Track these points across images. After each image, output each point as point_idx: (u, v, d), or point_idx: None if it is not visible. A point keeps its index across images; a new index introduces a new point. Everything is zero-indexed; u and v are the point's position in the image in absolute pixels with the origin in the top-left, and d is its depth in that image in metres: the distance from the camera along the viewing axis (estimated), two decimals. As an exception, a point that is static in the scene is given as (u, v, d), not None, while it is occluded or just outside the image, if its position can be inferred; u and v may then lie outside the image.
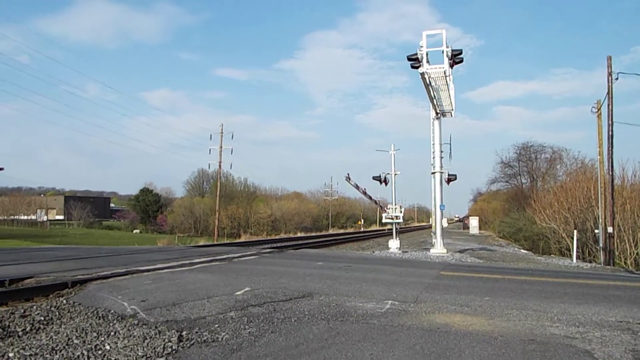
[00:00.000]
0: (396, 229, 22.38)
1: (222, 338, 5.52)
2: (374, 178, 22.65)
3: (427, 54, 16.69)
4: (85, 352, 4.88)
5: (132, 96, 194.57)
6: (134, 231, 79.43)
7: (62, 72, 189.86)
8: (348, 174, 22.25)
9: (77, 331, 5.60)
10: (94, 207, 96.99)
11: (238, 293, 8.22)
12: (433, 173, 20.22)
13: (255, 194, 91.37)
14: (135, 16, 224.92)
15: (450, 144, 20.70)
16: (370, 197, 24.58)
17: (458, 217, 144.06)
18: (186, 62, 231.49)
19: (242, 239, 45.54)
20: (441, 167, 20.01)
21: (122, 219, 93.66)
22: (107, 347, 5.09)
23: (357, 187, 22.77)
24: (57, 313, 6.42)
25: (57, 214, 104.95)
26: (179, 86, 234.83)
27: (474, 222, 63.70)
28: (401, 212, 22.49)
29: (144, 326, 5.90)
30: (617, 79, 21.21)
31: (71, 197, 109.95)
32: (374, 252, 23.11)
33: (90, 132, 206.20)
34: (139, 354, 4.91)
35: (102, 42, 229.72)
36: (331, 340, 5.53)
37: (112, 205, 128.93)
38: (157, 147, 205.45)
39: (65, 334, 5.47)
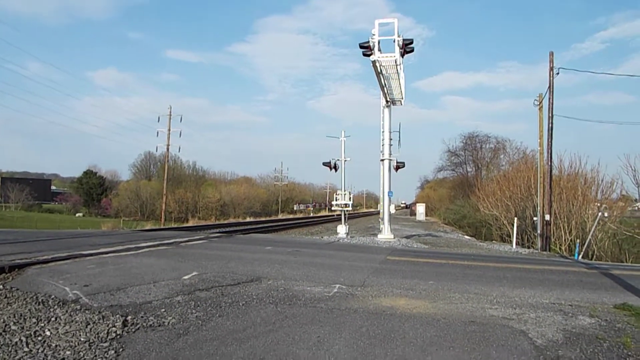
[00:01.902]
0: (345, 215, 22.65)
1: (169, 322, 5.47)
2: (324, 164, 22.79)
3: (379, 42, 16.80)
4: (23, 339, 4.72)
5: (76, 75, 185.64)
6: (77, 215, 76.75)
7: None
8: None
9: (14, 317, 5.41)
10: (34, 189, 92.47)
11: (185, 277, 8.13)
12: (382, 160, 20.52)
13: (204, 178, 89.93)
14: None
15: (399, 132, 21.06)
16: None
17: (405, 203, 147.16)
18: (135, 41, 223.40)
19: (190, 224, 44.91)
20: (390, 154, 20.33)
21: (64, 202, 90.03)
22: (47, 333, 4.95)
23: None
24: (-7, 298, 6.17)
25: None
26: (128, 67, 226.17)
27: (420, 208, 65.23)
28: (350, 198, 22.78)
29: (86, 311, 5.76)
30: (558, 73, 22.07)
31: (8, 178, 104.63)
32: (322, 237, 23.31)
33: (30, 111, 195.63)
34: (82, 339, 4.80)
35: (43, 17, 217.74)
36: (279, 323, 5.58)
37: (53, 187, 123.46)
38: (102, 129, 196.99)
39: (1, 320, 5.27)
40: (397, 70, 17.37)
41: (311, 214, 79.66)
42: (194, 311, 5.99)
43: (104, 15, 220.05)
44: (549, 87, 22.16)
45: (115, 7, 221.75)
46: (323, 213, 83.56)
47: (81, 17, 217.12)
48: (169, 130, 51.21)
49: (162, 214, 51.00)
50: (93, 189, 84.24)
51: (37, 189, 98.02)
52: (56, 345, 4.62)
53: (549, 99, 22.16)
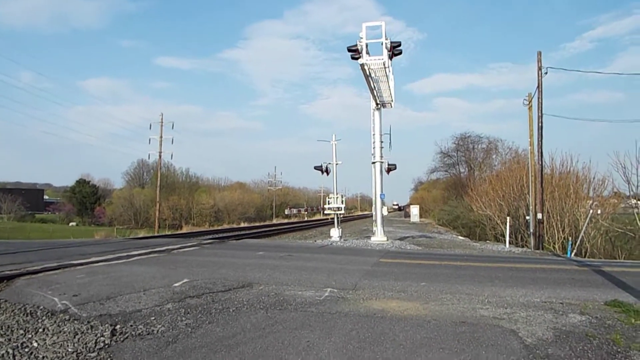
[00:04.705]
0: (338, 218, 22.64)
1: (158, 330, 5.44)
2: (315, 168, 22.77)
3: (366, 46, 16.79)
4: (10, 351, 4.68)
5: (68, 85, 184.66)
6: (70, 224, 76.25)
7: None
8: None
9: (2, 329, 5.36)
10: (26, 199, 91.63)
11: (176, 285, 8.09)
12: (373, 163, 20.53)
13: (197, 185, 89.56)
14: (73, 0, 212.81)
15: (390, 134, 21.08)
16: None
17: (397, 204, 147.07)
18: (127, 50, 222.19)
19: (184, 230, 44.69)
20: (381, 157, 20.36)
21: (57, 211, 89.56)
22: (35, 345, 4.91)
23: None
24: (-20, 311, 6.11)
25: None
26: (120, 75, 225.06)
27: (414, 210, 65.25)
28: (342, 202, 22.78)
29: (75, 321, 5.72)
30: (546, 73, 22.19)
31: (0, 189, 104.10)
32: (315, 241, 23.26)
33: (22, 122, 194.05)
34: (69, 350, 4.76)
35: (37, 28, 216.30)
36: (269, 329, 5.56)
37: (46, 197, 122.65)
38: (94, 137, 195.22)
39: (-12, 332, 5.22)
40: (385, 73, 17.41)
41: (305, 218, 79.55)
42: (183, 318, 5.96)
43: (97, 25, 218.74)
44: (538, 86, 22.28)
45: (107, 16, 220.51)
46: (318, 217, 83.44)
47: (74, 27, 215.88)
48: (161, 137, 51.13)
49: (156, 221, 50.82)
50: (86, 198, 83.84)
51: (30, 199, 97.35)
52: (43, 357, 4.58)
53: (538, 98, 22.28)
